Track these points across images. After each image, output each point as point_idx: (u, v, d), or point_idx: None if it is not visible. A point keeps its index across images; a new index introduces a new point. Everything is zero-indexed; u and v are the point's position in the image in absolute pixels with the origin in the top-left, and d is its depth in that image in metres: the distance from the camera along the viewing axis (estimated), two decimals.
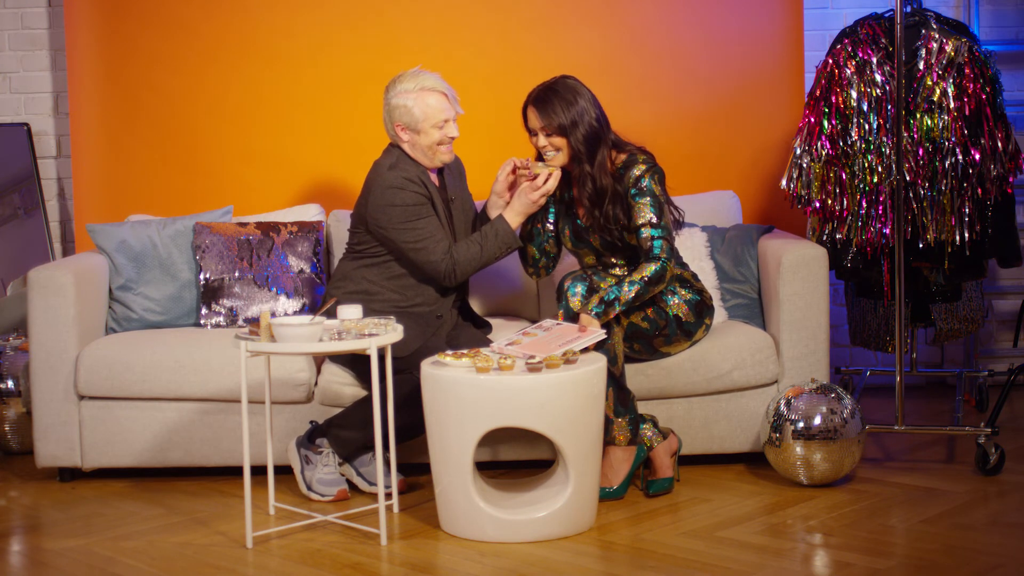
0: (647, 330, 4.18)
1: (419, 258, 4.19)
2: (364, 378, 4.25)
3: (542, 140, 4.19)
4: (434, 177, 4.32)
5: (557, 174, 4.20)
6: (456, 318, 4.41)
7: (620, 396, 4.05)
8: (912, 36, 4.62)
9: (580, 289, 4.06)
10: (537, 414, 3.64)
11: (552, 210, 4.35)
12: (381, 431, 3.71)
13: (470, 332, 4.39)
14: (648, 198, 4.14)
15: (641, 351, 4.24)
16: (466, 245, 4.23)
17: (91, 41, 5.13)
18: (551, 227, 4.36)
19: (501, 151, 4.93)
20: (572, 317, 4.04)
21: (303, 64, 5.15)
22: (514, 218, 4.24)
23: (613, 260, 4.27)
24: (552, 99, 4.15)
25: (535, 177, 4.20)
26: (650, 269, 4.08)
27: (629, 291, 4.06)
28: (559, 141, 4.17)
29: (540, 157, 4.24)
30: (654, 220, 4.12)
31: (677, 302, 4.22)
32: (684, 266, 4.35)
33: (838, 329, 5.48)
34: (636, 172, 4.15)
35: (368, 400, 4.09)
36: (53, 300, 4.37)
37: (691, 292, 4.26)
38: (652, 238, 4.11)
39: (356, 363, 4.27)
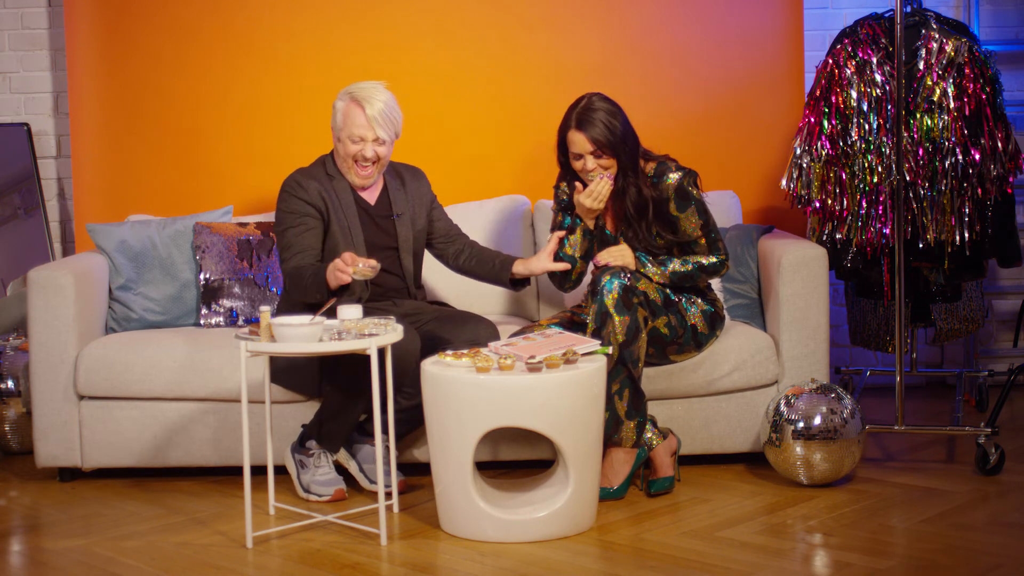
0: (666, 336, 4.15)
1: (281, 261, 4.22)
2: (302, 389, 4.28)
3: (590, 163, 4.08)
4: (368, 193, 4.28)
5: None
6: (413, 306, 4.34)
7: (635, 399, 4.03)
8: (912, 36, 4.62)
9: (617, 285, 3.97)
10: (537, 414, 3.64)
11: (567, 220, 4.26)
12: (381, 429, 3.71)
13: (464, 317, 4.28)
14: (693, 205, 4.14)
15: (653, 355, 4.21)
16: (304, 268, 4.12)
17: (91, 41, 5.13)
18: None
19: (501, 150, 4.95)
20: (603, 314, 3.97)
21: (303, 64, 5.14)
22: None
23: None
24: (596, 120, 4.04)
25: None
26: (710, 260, 4.17)
27: (682, 267, 4.13)
28: (608, 161, 4.08)
29: (577, 180, 4.15)
30: (706, 224, 4.17)
31: (695, 312, 4.21)
32: None
33: (838, 329, 5.48)
34: (672, 179, 4.12)
35: (332, 388, 4.07)
36: (53, 300, 4.36)
37: (707, 303, 4.25)
38: (713, 240, 4.18)
39: (292, 374, 4.26)
